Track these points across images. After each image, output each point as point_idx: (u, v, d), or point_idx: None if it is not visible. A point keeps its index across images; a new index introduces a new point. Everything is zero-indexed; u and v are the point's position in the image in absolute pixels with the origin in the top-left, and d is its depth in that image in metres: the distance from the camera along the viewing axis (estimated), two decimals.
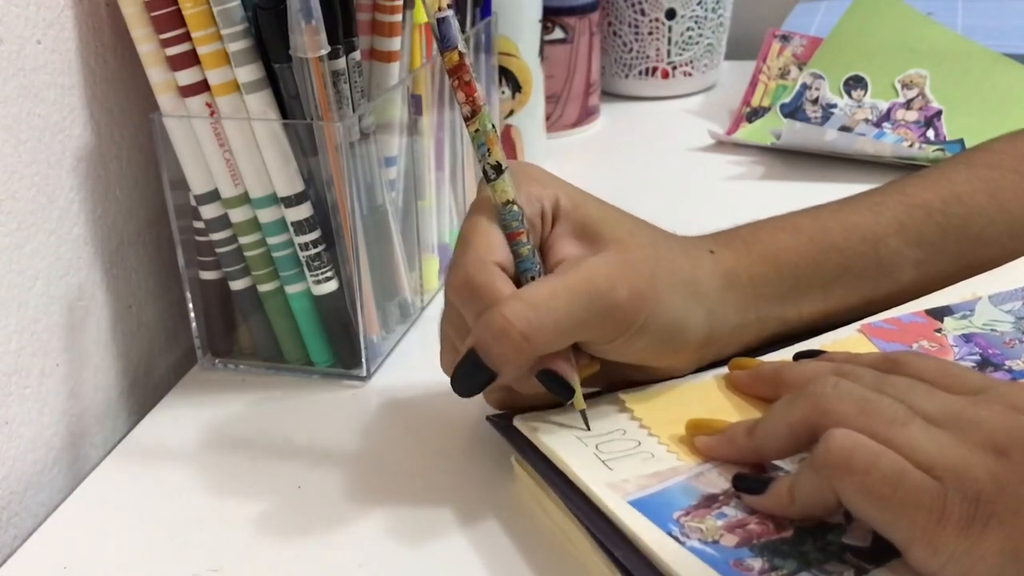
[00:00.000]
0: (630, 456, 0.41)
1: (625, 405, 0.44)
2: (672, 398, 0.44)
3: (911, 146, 0.75)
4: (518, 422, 0.43)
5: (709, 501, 0.39)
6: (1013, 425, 0.34)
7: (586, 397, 0.42)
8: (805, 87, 0.83)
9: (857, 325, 0.47)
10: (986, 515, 0.32)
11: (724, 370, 0.45)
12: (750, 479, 0.38)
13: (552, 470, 0.40)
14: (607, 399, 0.44)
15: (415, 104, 0.55)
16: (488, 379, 0.40)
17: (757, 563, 0.36)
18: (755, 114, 0.84)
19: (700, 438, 0.41)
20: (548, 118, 0.81)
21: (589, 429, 0.42)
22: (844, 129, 0.77)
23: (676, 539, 0.37)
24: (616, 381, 0.45)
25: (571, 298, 0.40)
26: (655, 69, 0.91)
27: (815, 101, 0.82)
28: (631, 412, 0.43)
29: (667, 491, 0.39)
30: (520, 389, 0.42)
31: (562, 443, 0.41)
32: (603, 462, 0.40)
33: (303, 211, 0.49)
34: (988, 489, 0.32)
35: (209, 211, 0.50)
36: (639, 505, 0.38)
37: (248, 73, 0.47)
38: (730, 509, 0.39)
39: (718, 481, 0.39)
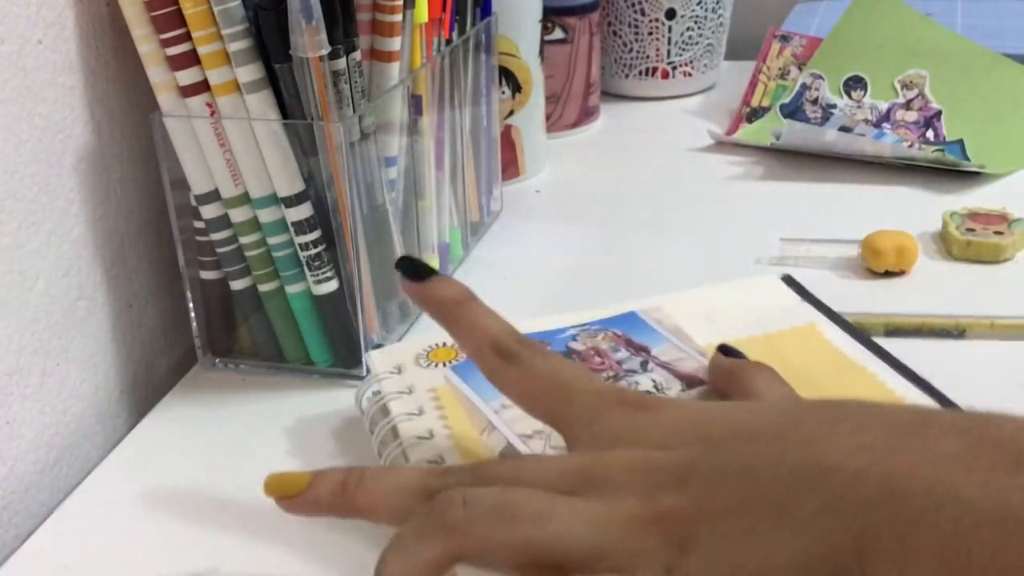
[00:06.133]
0: None
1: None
2: None
3: (911, 146, 0.75)
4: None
5: None
6: (644, 466, 0.31)
7: None
8: (805, 87, 0.83)
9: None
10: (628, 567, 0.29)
11: None
12: (415, 264, 0.40)
13: None
14: None
15: (415, 104, 0.55)
16: None
17: None
18: (755, 114, 0.84)
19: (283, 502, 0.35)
20: (548, 118, 0.81)
21: None
22: (844, 129, 0.77)
23: None
24: None
25: None
26: (655, 69, 0.91)
27: (815, 101, 0.82)
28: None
29: None
30: None
31: None
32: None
33: (303, 211, 0.49)
34: (635, 547, 0.29)
35: (209, 211, 0.50)
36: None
37: (248, 73, 0.47)
38: (622, 354, 0.47)
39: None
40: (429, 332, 0.47)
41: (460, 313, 0.38)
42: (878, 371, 0.46)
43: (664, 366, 0.46)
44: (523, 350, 0.37)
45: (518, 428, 0.42)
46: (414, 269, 0.40)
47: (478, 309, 0.38)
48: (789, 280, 0.54)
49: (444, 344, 0.48)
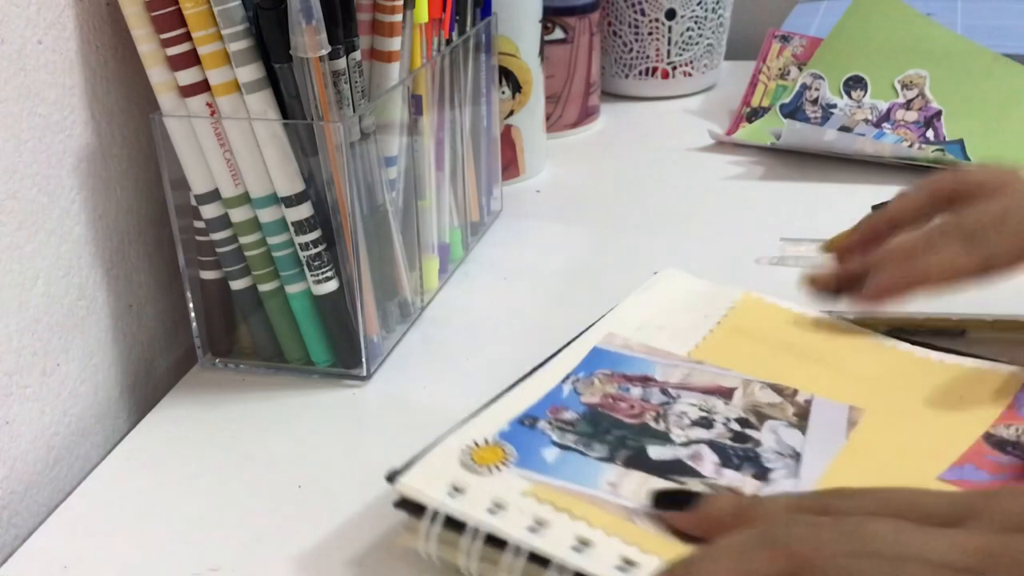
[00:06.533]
0: None
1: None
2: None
3: (911, 146, 0.75)
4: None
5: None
6: None
7: None
8: (805, 87, 0.83)
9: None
10: None
11: None
12: (673, 494, 0.37)
13: None
14: None
15: (415, 104, 0.55)
16: None
17: (570, 415, 0.43)
18: (755, 114, 0.84)
19: None
20: (548, 118, 0.81)
21: None
22: (844, 129, 0.77)
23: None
24: None
25: None
26: (655, 69, 0.91)
27: (815, 101, 0.82)
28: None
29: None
30: None
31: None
32: None
33: (303, 211, 0.49)
34: None
35: (209, 211, 0.50)
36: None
37: (248, 73, 0.47)
38: (637, 390, 0.44)
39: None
40: (439, 442, 0.40)
41: (747, 512, 0.35)
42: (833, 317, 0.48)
43: (683, 387, 0.45)
44: (837, 499, 0.33)
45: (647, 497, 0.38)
46: (676, 500, 0.36)
47: (755, 498, 0.36)
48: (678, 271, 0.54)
49: (477, 444, 0.40)
